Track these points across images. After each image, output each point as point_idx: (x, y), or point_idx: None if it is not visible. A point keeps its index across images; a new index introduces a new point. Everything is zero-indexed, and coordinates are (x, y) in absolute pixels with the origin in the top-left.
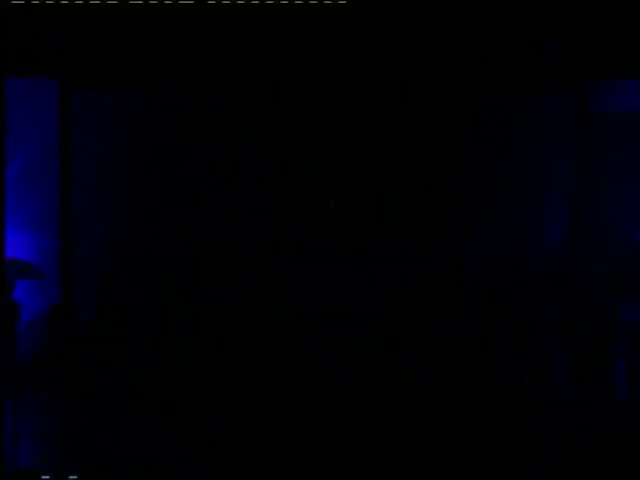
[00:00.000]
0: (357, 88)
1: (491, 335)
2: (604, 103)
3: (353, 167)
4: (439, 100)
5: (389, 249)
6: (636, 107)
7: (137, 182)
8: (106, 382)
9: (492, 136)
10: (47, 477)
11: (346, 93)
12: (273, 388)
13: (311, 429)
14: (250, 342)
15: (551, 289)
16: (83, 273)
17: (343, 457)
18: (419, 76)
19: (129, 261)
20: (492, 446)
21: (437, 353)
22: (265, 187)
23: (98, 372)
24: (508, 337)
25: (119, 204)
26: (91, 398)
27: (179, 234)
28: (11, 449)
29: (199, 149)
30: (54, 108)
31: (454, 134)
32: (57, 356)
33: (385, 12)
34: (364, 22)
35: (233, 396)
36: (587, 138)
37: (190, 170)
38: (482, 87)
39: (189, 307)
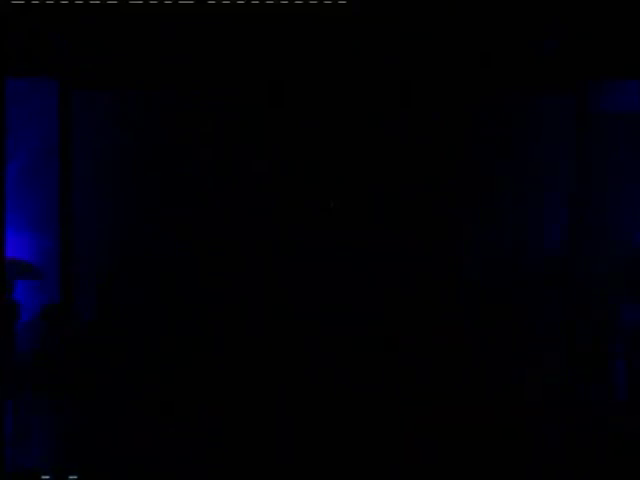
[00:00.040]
0: (357, 88)
1: (491, 335)
2: (604, 103)
3: (353, 167)
4: (439, 100)
5: (389, 249)
6: (636, 107)
7: (137, 182)
8: (106, 382)
9: (492, 136)
10: (47, 477)
11: (346, 93)
12: (273, 388)
13: (311, 429)
14: (250, 342)
15: (551, 289)
16: (83, 273)
17: (343, 457)
18: (419, 76)
19: (129, 261)
20: (492, 446)
21: (437, 353)
22: (265, 187)
23: (98, 372)
24: (508, 337)
25: (119, 204)
26: (91, 398)
27: (179, 234)
28: (11, 449)
29: (199, 149)
30: (54, 108)
31: (454, 134)
32: (57, 356)
33: (385, 12)
34: (364, 22)
35: (233, 396)
36: (587, 138)
37: (190, 170)
38: (482, 87)
39: (189, 307)
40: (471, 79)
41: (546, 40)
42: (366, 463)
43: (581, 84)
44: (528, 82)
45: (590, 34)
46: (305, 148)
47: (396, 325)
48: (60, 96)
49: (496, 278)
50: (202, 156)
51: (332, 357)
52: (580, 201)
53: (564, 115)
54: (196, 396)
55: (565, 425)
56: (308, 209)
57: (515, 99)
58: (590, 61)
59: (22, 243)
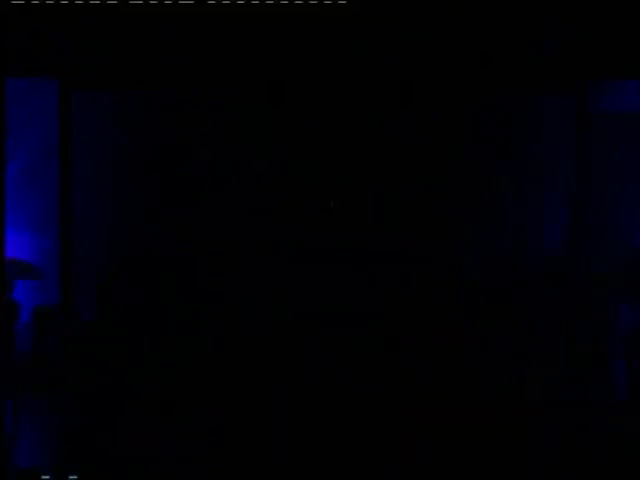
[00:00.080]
0: (357, 88)
1: (491, 335)
2: (604, 103)
3: (353, 167)
4: (439, 100)
5: (389, 249)
6: (636, 107)
7: (137, 182)
8: (106, 382)
9: (492, 136)
10: (47, 477)
11: (346, 93)
12: (273, 388)
13: (311, 429)
14: (250, 342)
15: (551, 289)
16: (83, 273)
17: (343, 457)
18: (419, 76)
19: (129, 261)
20: (492, 446)
21: (437, 353)
22: (265, 187)
23: (98, 372)
24: (508, 337)
25: (119, 204)
26: (91, 398)
27: (179, 234)
28: (11, 449)
29: (199, 149)
30: (54, 108)
31: (454, 134)
32: (54, 356)
33: (385, 12)
34: (364, 22)
35: (233, 396)
36: (587, 138)
37: (190, 170)
38: (482, 87)
39: (189, 307)
40: (471, 79)
41: (546, 40)
42: (366, 463)
43: (581, 84)
44: (528, 82)
45: (590, 34)
46: (305, 148)
47: (396, 325)
48: (60, 96)
49: (496, 278)
50: (202, 156)
51: (332, 357)
52: (580, 201)
53: (564, 115)
54: (196, 396)
55: (565, 425)
56: (308, 209)
57: (515, 99)
58: (590, 61)
59: (22, 243)
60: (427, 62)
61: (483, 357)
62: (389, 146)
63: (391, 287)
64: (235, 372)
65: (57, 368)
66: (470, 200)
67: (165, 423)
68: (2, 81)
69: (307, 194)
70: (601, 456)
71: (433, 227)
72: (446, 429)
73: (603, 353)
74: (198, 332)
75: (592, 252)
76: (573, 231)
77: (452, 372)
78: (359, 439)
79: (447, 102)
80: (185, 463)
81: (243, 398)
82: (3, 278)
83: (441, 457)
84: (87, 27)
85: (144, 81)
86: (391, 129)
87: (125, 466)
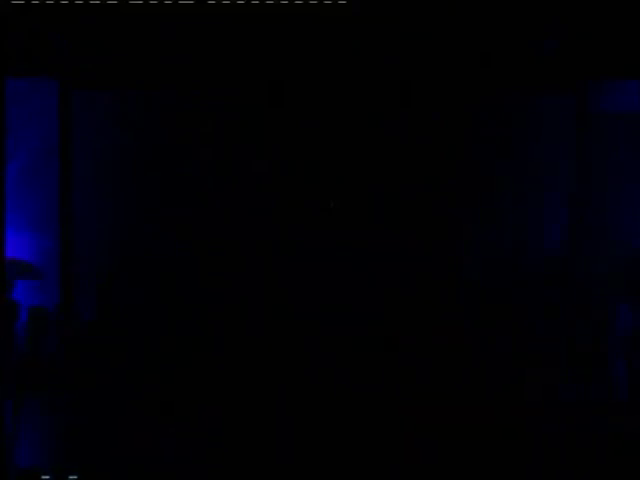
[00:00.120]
0: (357, 88)
1: (491, 335)
2: (604, 103)
3: (353, 167)
4: (439, 100)
5: (389, 249)
6: (636, 107)
7: (137, 182)
8: (106, 382)
9: (492, 136)
10: (47, 477)
11: (346, 93)
12: (273, 388)
13: (311, 429)
14: (250, 342)
15: (551, 289)
16: (83, 273)
17: (343, 457)
18: (419, 76)
19: (129, 261)
20: (492, 446)
21: (437, 353)
22: (265, 187)
23: (98, 372)
24: (508, 337)
25: (119, 204)
26: (91, 398)
27: (179, 234)
28: (11, 449)
29: (199, 149)
30: (54, 108)
31: (454, 134)
32: (57, 356)
33: (385, 12)
34: (364, 22)
35: (233, 396)
36: (587, 138)
37: (190, 170)
38: (482, 87)
39: (189, 307)
40: (471, 79)
41: (546, 40)
42: (366, 463)
43: (581, 84)
44: (528, 82)
45: (590, 34)
46: (305, 148)
47: (396, 325)
48: (60, 96)
49: (496, 278)
50: (202, 156)
51: (332, 357)
52: (580, 201)
53: (564, 115)
54: (196, 396)
55: (565, 425)
56: (308, 209)
57: (515, 99)
58: (590, 61)
59: (22, 243)
60: (427, 62)
61: (483, 357)
62: (389, 146)
63: (391, 287)
64: (235, 372)
65: (57, 368)
66: (470, 200)
67: (165, 423)
68: (2, 81)
69: (307, 194)
70: (601, 456)
71: (433, 227)
72: (446, 429)
73: (603, 353)
74: (198, 332)
75: (592, 252)
76: (573, 231)
77: (452, 372)
78: (359, 439)
79: (447, 102)
80: (185, 463)
81: (243, 398)
82: (3, 278)
83: (441, 457)
84: (87, 27)
85: (144, 81)
86: (391, 129)
87: (125, 466)
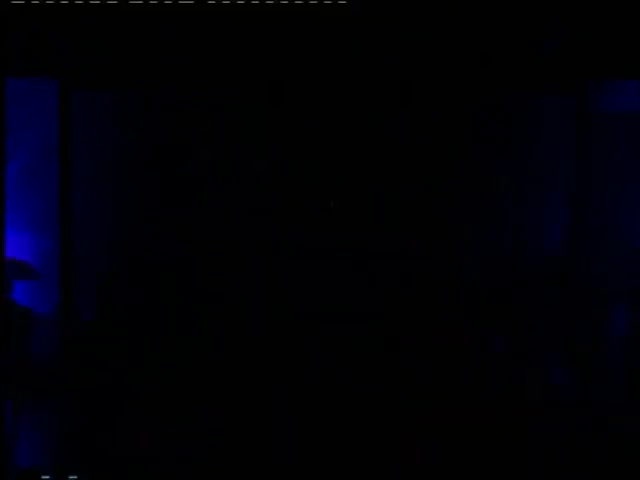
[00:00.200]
0: (357, 88)
1: (491, 335)
2: (604, 103)
3: (353, 167)
4: (439, 100)
5: (389, 249)
6: (636, 107)
7: (137, 182)
8: (106, 382)
9: (492, 136)
10: (47, 477)
11: (346, 93)
12: (273, 388)
13: (311, 429)
14: (250, 342)
15: (551, 289)
16: (83, 273)
17: (343, 457)
18: (419, 76)
19: (129, 261)
20: (492, 446)
21: (437, 353)
22: (265, 187)
23: (98, 372)
24: (508, 337)
25: (119, 204)
26: (91, 398)
27: (179, 234)
28: (11, 449)
29: (199, 149)
30: (54, 108)
31: (454, 134)
32: (57, 356)
33: (385, 12)
34: (364, 22)
35: (233, 396)
36: (587, 138)
37: (190, 170)
38: (482, 87)
39: (189, 307)
40: (471, 79)
41: (546, 40)
42: (366, 463)
43: (581, 84)
44: (528, 82)
45: (590, 34)
46: (305, 148)
47: (396, 325)
48: (60, 96)
49: (496, 278)
50: (202, 156)
51: (332, 357)
52: (580, 201)
53: (564, 115)
54: (196, 396)
55: (565, 425)
56: (308, 209)
57: (515, 99)
58: (590, 61)
59: (22, 243)
60: (427, 62)
61: (483, 357)
62: (389, 146)
63: (391, 287)
64: (235, 372)
65: (57, 368)
66: (470, 200)
67: (165, 423)
68: (2, 81)
69: (307, 194)
70: (601, 456)
71: (433, 227)
72: (446, 429)
73: (603, 353)
74: (198, 332)
75: (592, 252)
76: (573, 231)
77: (452, 372)
78: (359, 439)
79: (447, 102)
80: (185, 463)
81: (243, 398)
82: (3, 278)
83: (441, 457)
84: (87, 27)
85: (144, 81)
86: (391, 129)
87: (125, 466)
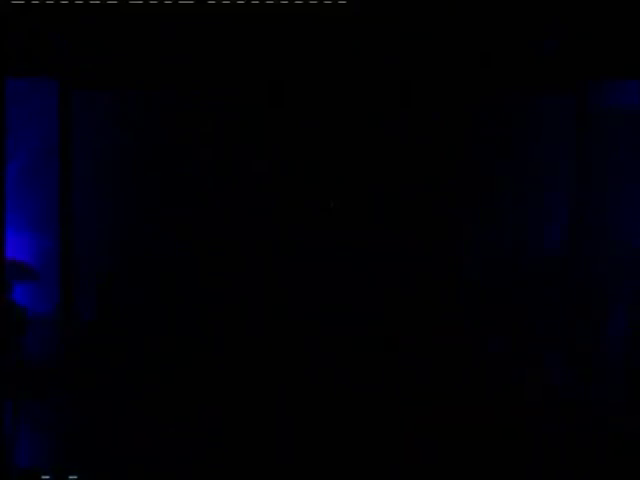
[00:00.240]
0: (357, 88)
1: (491, 335)
2: (604, 103)
3: (353, 167)
4: (439, 100)
5: (389, 249)
6: (636, 107)
7: (137, 182)
8: (106, 382)
9: (492, 136)
10: (47, 477)
11: (346, 93)
12: (273, 388)
13: (311, 429)
14: (250, 342)
15: (551, 289)
16: (83, 273)
17: (343, 457)
18: (419, 76)
19: (129, 261)
20: (492, 446)
21: (437, 353)
22: (265, 187)
23: (98, 372)
24: (508, 337)
25: (119, 204)
26: (91, 398)
27: (179, 234)
28: (11, 449)
29: (199, 149)
30: (54, 108)
31: (454, 134)
32: (57, 356)
33: (385, 12)
34: (364, 22)
35: (233, 396)
36: (587, 138)
37: (190, 170)
38: (482, 87)
39: (189, 307)
40: (471, 79)
41: (546, 40)
42: (366, 463)
43: (581, 84)
44: (528, 82)
45: (590, 34)
46: (305, 148)
47: (396, 325)
48: (60, 96)
49: (496, 278)
50: (202, 156)
51: (332, 357)
52: (580, 201)
53: (564, 115)
54: (196, 396)
55: (565, 425)
56: (308, 209)
57: (515, 99)
58: (590, 61)
59: (22, 243)
60: (427, 62)
61: (483, 357)
62: (389, 146)
63: (391, 287)
64: (235, 372)
65: (57, 368)
66: (470, 200)
67: (165, 423)
68: (2, 81)
69: (307, 194)
70: (601, 456)
71: (433, 227)
72: (446, 429)
73: (603, 353)
74: (198, 332)
75: (592, 252)
76: (573, 231)
77: (452, 372)
78: (359, 439)
79: (447, 102)
80: (185, 463)
81: (243, 398)
82: (3, 279)
83: (441, 457)
84: (87, 27)
85: (144, 81)
86: (391, 129)
87: (125, 466)
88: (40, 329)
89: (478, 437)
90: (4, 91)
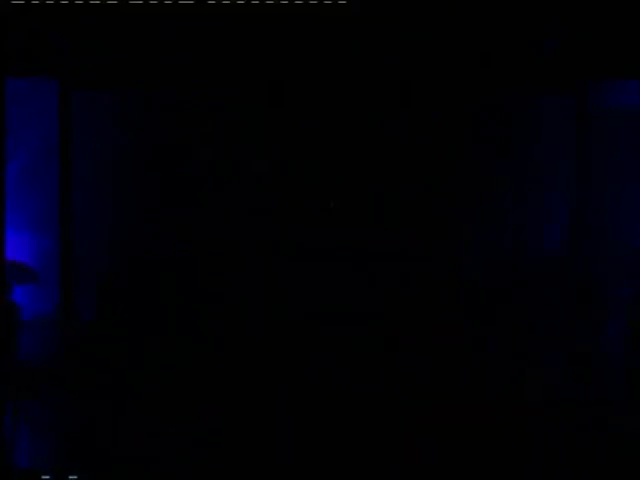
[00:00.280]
0: (357, 88)
1: (491, 335)
2: (604, 103)
3: (353, 167)
4: (439, 100)
5: (389, 249)
6: (636, 107)
7: (137, 182)
8: (106, 382)
9: (492, 136)
10: (47, 477)
11: (346, 93)
12: (273, 388)
13: (311, 429)
14: (250, 342)
15: (551, 289)
16: (83, 273)
17: (343, 457)
18: (419, 76)
19: (129, 261)
20: (492, 446)
21: (437, 353)
22: (265, 187)
23: (97, 372)
24: (508, 337)
25: (119, 204)
26: (90, 398)
27: (179, 234)
28: (11, 449)
29: (199, 149)
30: (54, 108)
31: (454, 134)
32: (57, 356)
33: (385, 12)
34: (364, 22)
35: (233, 396)
36: (587, 138)
37: (190, 170)
38: (482, 87)
39: (189, 307)
40: (471, 79)
41: (546, 40)
42: (366, 463)
43: (581, 84)
44: (528, 82)
45: (590, 34)
46: (305, 148)
47: (396, 325)
48: (60, 96)
49: (496, 278)
50: (202, 156)
51: (332, 357)
52: (580, 201)
53: (564, 115)
54: (196, 396)
55: (565, 425)
56: (308, 209)
57: (515, 99)
58: (590, 61)
59: (22, 243)
60: (427, 62)
61: (483, 357)
62: (389, 146)
63: (391, 287)
64: (235, 372)
65: (57, 368)
66: (470, 200)
67: (165, 423)
68: (2, 81)
69: (307, 194)
70: (601, 456)
71: (433, 227)
72: (446, 429)
73: (603, 353)
74: (198, 332)
75: (592, 252)
76: (573, 231)
77: (452, 372)
78: (359, 439)
79: (447, 102)
80: (185, 463)
81: (243, 398)
82: (3, 279)
83: (441, 457)
84: (87, 27)
85: (144, 81)
86: (391, 129)
87: (125, 466)
88: (40, 329)
89: (478, 437)
90: (4, 91)
